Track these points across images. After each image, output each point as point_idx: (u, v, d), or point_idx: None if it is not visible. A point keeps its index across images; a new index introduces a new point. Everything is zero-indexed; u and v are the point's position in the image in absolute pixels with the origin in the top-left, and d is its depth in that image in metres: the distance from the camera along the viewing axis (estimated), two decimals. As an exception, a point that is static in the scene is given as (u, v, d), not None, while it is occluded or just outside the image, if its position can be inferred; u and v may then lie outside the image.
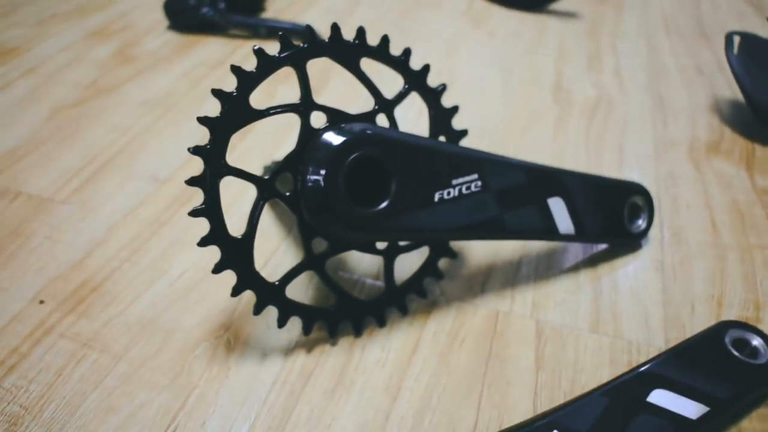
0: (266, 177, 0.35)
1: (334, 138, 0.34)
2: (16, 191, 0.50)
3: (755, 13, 0.88)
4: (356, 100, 0.61)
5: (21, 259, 0.44)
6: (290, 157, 0.35)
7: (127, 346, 0.38)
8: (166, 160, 0.54)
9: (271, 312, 0.37)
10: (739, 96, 0.64)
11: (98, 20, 0.78)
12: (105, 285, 0.42)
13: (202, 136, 0.55)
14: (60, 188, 0.50)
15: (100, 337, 0.39)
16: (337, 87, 0.65)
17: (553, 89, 0.67)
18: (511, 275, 0.44)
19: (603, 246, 0.47)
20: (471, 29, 0.81)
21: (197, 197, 0.49)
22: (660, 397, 0.34)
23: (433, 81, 0.41)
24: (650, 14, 0.87)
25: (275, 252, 0.45)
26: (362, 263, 0.44)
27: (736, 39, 0.61)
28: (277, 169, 0.35)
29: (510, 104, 0.65)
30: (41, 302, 0.41)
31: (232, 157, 0.33)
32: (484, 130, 0.60)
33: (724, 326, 0.39)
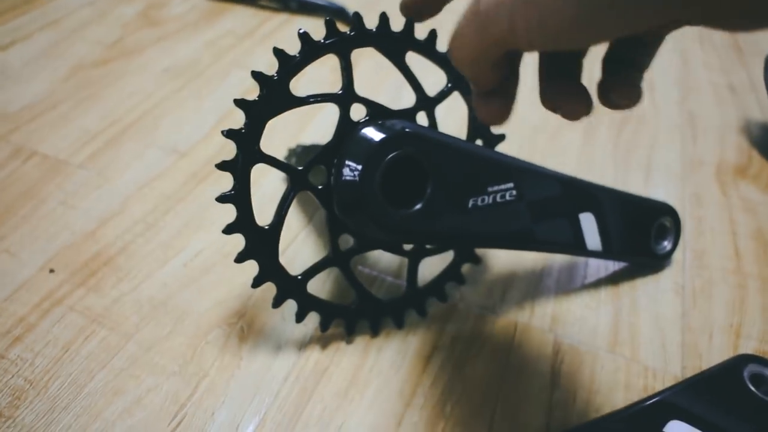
0: (300, 168, 0.33)
1: (374, 134, 0.33)
2: (31, 150, 0.49)
3: (790, 34, 0.86)
4: (384, 88, 0.60)
5: (33, 223, 0.43)
6: (326, 149, 0.34)
7: (137, 325, 0.37)
8: (186, 133, 0.52)
9: (289, 304, 0.36)
10: (770, 119, 0.63)
11: (124, -23, 0.76)
12: (118, 259, 0.41)
13: (224, 110, 0.54)
14: (77, 151, 0.49)
15: (111, 313, 0.38)
16: (365, 72, 0.64)
17: (584, 95, 0.66)
18: (532, 286, 0.43)
19: (624, 263, 0.46)
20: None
21: (216, 175, 0.48)
22: (676, 429, 0.34)
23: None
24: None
25: (294, 240, 0.44)
26: (383, 260, 0.43)
27: (775, 62, 0.60)
28: (311, 161, 0.34)
29: (539, 107, 0.63)
30: (51, 271, 0.40)
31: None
32: (513, 132, 0.58)
33: (742, 360, 0.38)
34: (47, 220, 0.43)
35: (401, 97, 0.59)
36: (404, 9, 0.30)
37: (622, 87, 0.28)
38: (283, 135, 0.53)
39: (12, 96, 0.54)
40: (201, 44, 0.64)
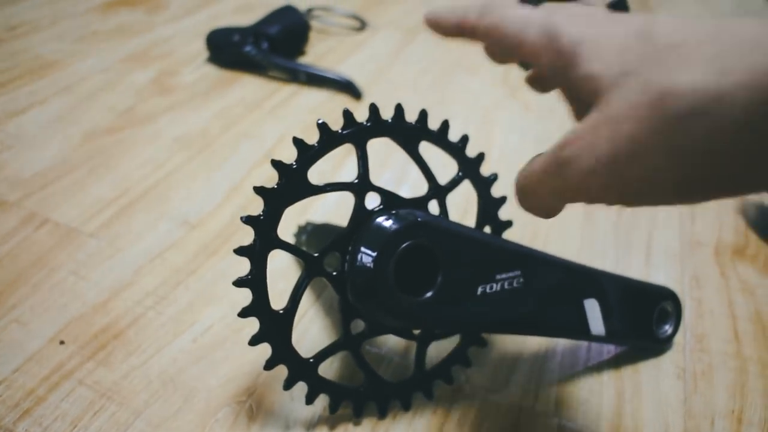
0: (316, 255, 0.34)
1: (388, 223, 0.34)
2: (44, 218, 0.49)
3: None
4: (390, 165, 0.61)
5: (44, 292, 0.43)
6: (341, 236, 0.35)
7: (146, 401, 0.37)
8: (197, 204, 0.53)
9: (299, 385, 0.36)
10: (766, 200, 0.64)
11: (139, 43, 0.78)
12: (128, 332, 0.41)
13: (234, 181, 0.55)
14: (88, 220, 0.50)
15: (120, 388, 0.38)
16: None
17: (584, 172, 0.67)
18: (536, 369, 0.44)
19: (626, 347, 0.47)
20: (507, 99, 0.81)
21: (226, 248, 0.49)
22: None
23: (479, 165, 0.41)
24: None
25: (301, 318, 0.44)
26: (391, 340, 0.44)
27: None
28: (326, 247, 0.35)
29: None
30: (61, 343, 0.40)
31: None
32: (517, 211, 0.59)
33: (746, 449, 0.38)
34: (58, 290, 0.43)
35: (407, 173, 0.60)
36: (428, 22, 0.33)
37: None
38: (290, 211, 0.54)
39: (26, 161, 0.55)
40: (211, 113, 0.66)
